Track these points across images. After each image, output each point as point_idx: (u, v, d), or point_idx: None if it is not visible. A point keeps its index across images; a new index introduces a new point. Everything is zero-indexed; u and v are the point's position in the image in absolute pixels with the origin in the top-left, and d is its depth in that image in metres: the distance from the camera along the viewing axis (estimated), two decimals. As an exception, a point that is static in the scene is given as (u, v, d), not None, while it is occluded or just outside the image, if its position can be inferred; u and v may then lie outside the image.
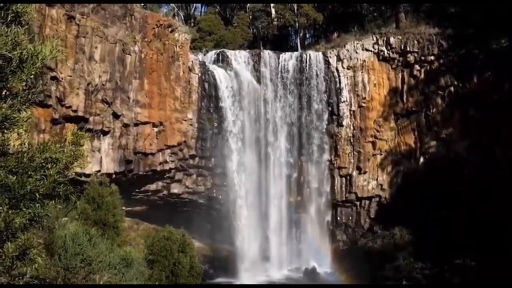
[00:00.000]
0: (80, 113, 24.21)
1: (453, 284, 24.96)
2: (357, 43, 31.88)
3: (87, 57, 24.72)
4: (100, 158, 25.59)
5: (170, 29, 28.54)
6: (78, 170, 21.26)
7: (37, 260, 5.12)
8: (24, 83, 5.26)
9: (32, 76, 5.26)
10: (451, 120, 30.50)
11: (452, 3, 31.12)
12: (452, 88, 30.67)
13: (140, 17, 27.29)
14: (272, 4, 41.38)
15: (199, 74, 29.61)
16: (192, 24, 43.00)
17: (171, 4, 44.13)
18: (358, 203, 32.27)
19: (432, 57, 30.79)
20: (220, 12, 45.79)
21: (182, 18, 41.75)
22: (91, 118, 24.87)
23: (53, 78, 23.03)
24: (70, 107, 23.84)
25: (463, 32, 29.49)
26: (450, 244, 25.53)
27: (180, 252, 19.28)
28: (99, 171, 24.87)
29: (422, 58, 30.96)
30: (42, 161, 5.33)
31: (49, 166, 5.37)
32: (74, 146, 5.80)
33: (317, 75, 31.69)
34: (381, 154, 31.78)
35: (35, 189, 5.22)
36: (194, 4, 48.27)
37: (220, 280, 27.83)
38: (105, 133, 25.76)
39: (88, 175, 23.03)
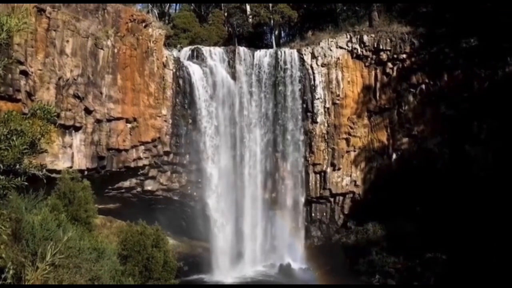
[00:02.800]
0: (51, 108, 23.67)
1: (425, 277, 25.43)
2: (331, 41, 32.15)
3: (58, 51, 24.22)
4: (72, 154, 25.07)
5: (144, 24, 28.22)
6: (49, 167, 20.64)
7: (1, 232, 4.96)
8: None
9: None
10: (423, 117, 31.06)
11: (424, 3, 31.81)
12: (423, 86, 31.24)
13: (113, 11, 26.88)
14: (247, 2, 41.36)
15: (174, 70, 29.35)
16: (167, 22, 42.59)
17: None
18: (332, 199, 32.55)
19: (404, 55, 31.29)
20: (195, 9, 45.57)
21: (156, 15, 41.29)
22: (62, 114, 24.33)
23: (23, 72, 22.50)
24: (40, 101, 23.30)
25: (435, 31, 30.15)
26: (422, 239, 25.96)
27: (153, 247, 19.05)
28: (71, 167, 24.32)
29: (395, 56, 31.43)
30: (7, 132, 5.19)
31: (14, 138, 5.23)
32: (41, 121, 5.68)
33: (291, 72, 31.81)
34: (354, 151, 32.13)
35: (-1, 159, 5.08)
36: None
37: (195, 277, 27.62)
38: (77, 128, 25.27)
39: (59, 172, 22.58)
